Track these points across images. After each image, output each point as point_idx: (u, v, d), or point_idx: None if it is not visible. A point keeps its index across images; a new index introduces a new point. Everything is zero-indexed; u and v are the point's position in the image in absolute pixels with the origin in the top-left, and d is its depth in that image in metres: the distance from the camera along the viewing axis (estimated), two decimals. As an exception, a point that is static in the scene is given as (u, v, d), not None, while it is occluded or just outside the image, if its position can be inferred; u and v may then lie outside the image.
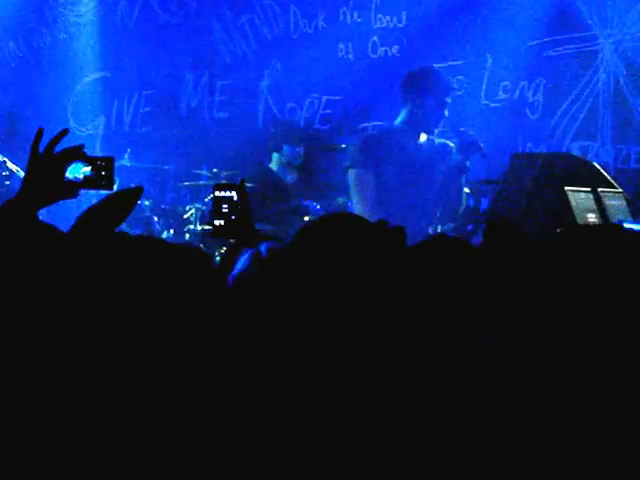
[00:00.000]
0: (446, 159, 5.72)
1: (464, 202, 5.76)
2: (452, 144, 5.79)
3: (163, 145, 8.63)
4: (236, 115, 8.77)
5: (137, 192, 2.39)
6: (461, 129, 5.66)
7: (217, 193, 3.15)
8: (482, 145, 5.65)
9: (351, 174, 5.63)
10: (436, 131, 5.63)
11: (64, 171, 2.41)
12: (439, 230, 5.67)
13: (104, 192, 2.51)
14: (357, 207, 5.60)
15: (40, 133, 2.41)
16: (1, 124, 8.41)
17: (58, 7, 8.88)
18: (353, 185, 5.62)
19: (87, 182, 2.48)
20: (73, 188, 2.45)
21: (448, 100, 5.60)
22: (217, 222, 3.12)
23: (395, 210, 5.47)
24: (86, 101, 8.88)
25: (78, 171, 2.45)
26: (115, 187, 8.01)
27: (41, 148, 2.44)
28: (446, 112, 5.61)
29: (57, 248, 2.12)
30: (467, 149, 5.59)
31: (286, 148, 7.19)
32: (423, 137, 5.65)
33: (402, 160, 5.60)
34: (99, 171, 2.50)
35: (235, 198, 3.13)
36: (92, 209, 2.30)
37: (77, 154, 2.44)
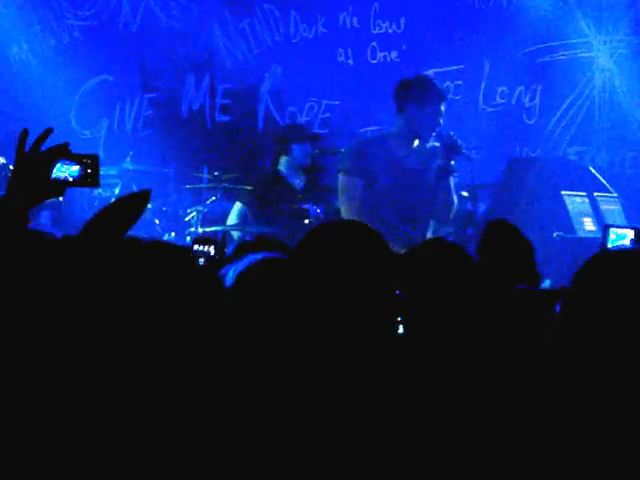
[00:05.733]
0: (436, 160, 5.76)
1: (456, 204, 5.78)
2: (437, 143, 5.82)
3: (165, 148, 8.60)
4: (237, 118, 8.80)
5: (146, 195, 2.36)
6: (449, 133, 5.68)
7: (195, 247, 3.16)
8: (463, 145, 5.65)
9: (340, 179, 5.72)
10: (431, 140, 5.66)
11: (50, 170, 2.39)
12: (429, 234, 5.71)
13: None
14: (343, 212, 5.68)
15: (25, 133, 2.38)
16: (4, 127, 8.39)
17: (61, 11, 8.87)
18: (341, 190, 5.71)
19: (73, 180, 2.46)
20: (59, 186, 2.43)
21: (443, 108, 5.62)
22: None
23: (386, 216, 5.55)
24: (89, 104, 8.85)
25: (66, 170, 2.43)
26: (117, 190, 7.92)
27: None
28: (441, 120, 5.64)
29: (50, 250, 2.16)
30: (448, 151, 5.60)
31: (295, 147, 7.12)
32: (416, 142, 5.70)
33: (394, 167, 5.66)
34: (85, 169, 2.47)
35: (212, 253, 3.15)
36: (100, 213, 2.30)
37: (63, 152, 2.42)
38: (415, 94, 5.60)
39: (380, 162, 5.63)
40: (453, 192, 5.68)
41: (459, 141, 5.57)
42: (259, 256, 2.60)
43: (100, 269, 1.96)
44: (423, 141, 5.65)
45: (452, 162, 5.56)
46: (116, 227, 2.27)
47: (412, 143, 5.67)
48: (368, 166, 5.62)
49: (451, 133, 5.59)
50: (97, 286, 1.93)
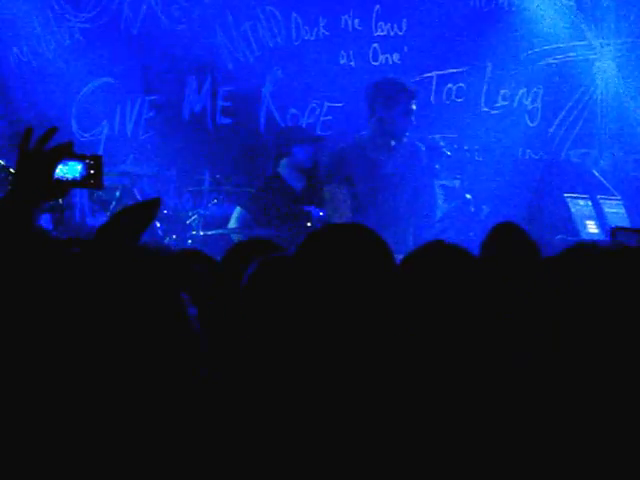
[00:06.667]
0: (417, 162, 5.82)
1: (441, 206, 5.85)
2: (421, 144, 5.90)
3: (165, 151, 8.61)
4: (238, 121, 8.80)
5: (156, 203, 2.35)
6: (429, 136, 5.80)
7: None
8: (443, 146, 5.75)
9: (328, 190, 5.77)
10: (404, 139, 5.75)
11: (54, 169, 2.37)
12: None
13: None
14: (335, 221, 5.72)
15: (29, 132, 2.36)
16: (4, 129, 8.41)
17: (62, 13, 8.89)
18: (330, 200, 5.77)
19: (76, 181, 2.44)
20: (62, 187, 2.41)
21: (413, 107, 5.70)
22: None
23: (369, 221, 5.57)
24: (89, 107, 8.86)
25: (69, 171, 2.41)
26: (118, 193, 7.92)
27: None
28: (413, 118, 5.72)
29: (54, 251, 2.15)
30: (431, 154, 5.69)
31: (297, 149, 7.09)
32: (392, 143, 5.77)
33: (373, 172, 5.71)
34: (88, 169, 2.45)
35: None
36: (112, 221, 2.29)
37: (66, 152, 2.40)
38: (382, 96, 5.70)
39: (360, 168, 5.70)
40: (437, 194, 5.75)
41: (442, 143, 5.66)
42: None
43: (114, 275, 1.94)
44: (398, 141, 5.73)
45: (437, 166, 5.66)
46: (128, 233, 2.26)
47: (389, 145, 5.74)
48: (350, 173, 5.68)
49: (430, 136, 5.71)
50: (109, 291, 1.92)
